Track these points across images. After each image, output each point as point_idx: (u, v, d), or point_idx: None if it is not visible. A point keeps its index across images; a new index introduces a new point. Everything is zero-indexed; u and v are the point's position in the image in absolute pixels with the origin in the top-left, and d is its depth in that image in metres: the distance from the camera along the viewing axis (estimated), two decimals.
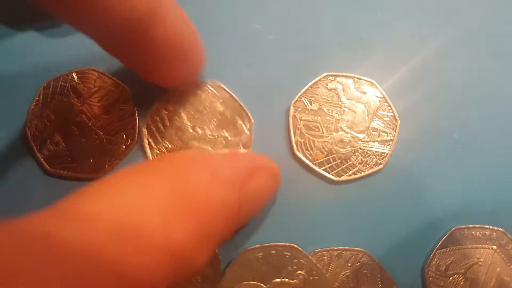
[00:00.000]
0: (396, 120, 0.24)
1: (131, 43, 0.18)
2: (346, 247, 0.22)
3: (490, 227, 0.22)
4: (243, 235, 0.22)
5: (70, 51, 0.25)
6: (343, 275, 0.21)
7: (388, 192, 0.23)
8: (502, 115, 0.24)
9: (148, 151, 0.23)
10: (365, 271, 0.22)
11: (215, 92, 0.24)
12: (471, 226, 0.22)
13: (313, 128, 0.24)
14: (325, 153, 0.23)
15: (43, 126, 0.24)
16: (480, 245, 0.22)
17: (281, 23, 0.26)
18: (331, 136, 0.23)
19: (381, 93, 0.24)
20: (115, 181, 0.14)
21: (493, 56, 0.25)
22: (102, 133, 0.24)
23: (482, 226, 0.22)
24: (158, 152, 0.23)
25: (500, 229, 0.22)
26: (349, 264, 0.22)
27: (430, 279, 0.21)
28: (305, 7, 0.26)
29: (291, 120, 0.24)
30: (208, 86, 0.24)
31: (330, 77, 0.24)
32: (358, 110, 0.24)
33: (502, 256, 0.21)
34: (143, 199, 0.14)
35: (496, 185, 0.23)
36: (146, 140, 0.23)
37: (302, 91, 0.24)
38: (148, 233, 0.13)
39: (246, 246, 0.22)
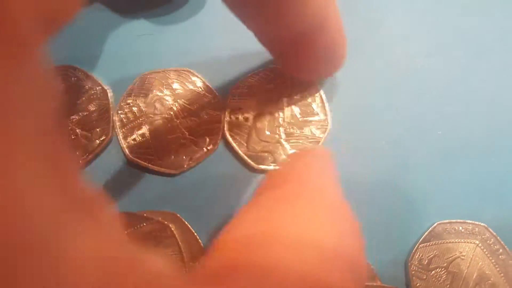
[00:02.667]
0: None
1: (293, 47, 0.20)
2: None
3: (472, 222, 0.22)
4: None
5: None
6: None
7: (373, 186, 0.23)
8: (485, 114, 0.24)
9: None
10: None
11: None
12: (453, 221, 0.22)
13: None
14: None
15: (133, 115, 0.24)
16: (462, 240, 0.22)
17: None
18: None
19: None
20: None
21: (477, 56, 0.25)
22: (187, 133, 0.24)
23: (465, 221, 0.22)
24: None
25: (482, 224, 0.22)
26: None
27: (413, 272, 0.22)
28: None
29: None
30: None
31: None
32: None
33: (484, 250, 0.22)
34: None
35: (479, 181, 0.23)
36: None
37: None
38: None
39: None
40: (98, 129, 0.24)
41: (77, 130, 0.24)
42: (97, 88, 0.25)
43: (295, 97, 0.25)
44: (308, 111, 0.25)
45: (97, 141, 0.24)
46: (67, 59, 0.25)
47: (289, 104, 0.25)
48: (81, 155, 0.24)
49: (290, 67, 0.23)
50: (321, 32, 0.19)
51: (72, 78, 0.25)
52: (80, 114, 0.24)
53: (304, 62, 0.22)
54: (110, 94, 0.25)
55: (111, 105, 0.25)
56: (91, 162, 0.24)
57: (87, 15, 0.27)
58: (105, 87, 0.25)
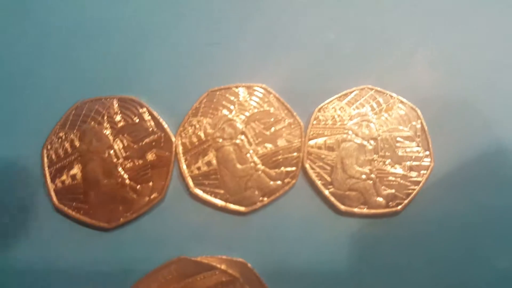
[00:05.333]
0: None
1: None
2: None
3: None
4: None
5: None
6: None
7: None
8: None
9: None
10: None
11: None
12: None
13: None
14: None
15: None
16: None
17: None
18: None
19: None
20: None
21: None
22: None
23: None
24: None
25: None
26: None
27: None
28: None
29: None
30: None
31: None
32: None
33: None
34: None
35: None
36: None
37: None
38: None
39: None
40: (150, 184, 0.20)
41: (126, 180, 0.20)
42: (162, 134, 0.20)
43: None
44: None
45: (147, 198, 0.20)
46: (132, 90, 0.21)
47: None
48: (124, 212, 0.19)
49: None
50: None
51: (135, 117, 0.20)
52: (135, 161, 0.20)
53: None
54: (175, 144, 0.20)
55: (173, 159, 0.20)
56: (133, 222, 0.20)
57: None
58: (172, 136, 0.20)
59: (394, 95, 0.21)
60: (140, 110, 0.21)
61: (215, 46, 0.22)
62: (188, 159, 0.20)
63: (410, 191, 0.20)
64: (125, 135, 0.20)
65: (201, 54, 0.21)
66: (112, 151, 0.20)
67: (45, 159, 0.20)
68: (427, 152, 0.21)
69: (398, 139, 0.21)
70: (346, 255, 0.20)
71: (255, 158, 0.20)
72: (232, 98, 0.21)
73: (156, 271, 0.19)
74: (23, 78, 0.21)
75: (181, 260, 0.19)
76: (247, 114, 0.21)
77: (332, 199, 0.20)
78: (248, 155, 0.20)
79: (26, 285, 0.19)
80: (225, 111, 0.21)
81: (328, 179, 0.20)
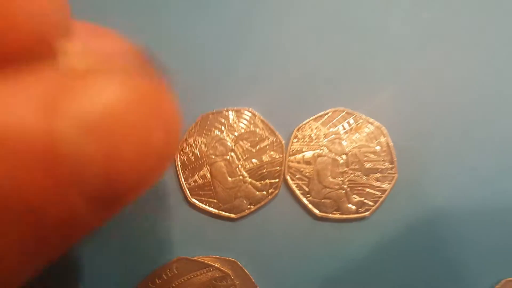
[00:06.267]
0: None
1: None
2: None
3: None
4: None
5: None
6: None
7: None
8: None
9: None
10: None
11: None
12: None
13: None
14: None
15: (193, 156, 0.23)
16: None
17: None
18: None
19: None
20: None
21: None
22: (248, 176, 0.23)
23: None
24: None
25: None
26: None
27: None
28: None
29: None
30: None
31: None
32: None
33: None
34: None
35: None
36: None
37: None
38: None
39: None
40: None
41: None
42: None
43: None
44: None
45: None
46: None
47: None
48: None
49: None
50: None
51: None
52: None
53: None
54: (175, 161, 0.24)
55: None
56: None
57: None
58: None
59: (363, 116, 0.24)
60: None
61: (208, 74, 0.25)
62: (186, 173, 0.23)
63: (377, 198, 0.23)
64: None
65: (194, 83, 0.25)
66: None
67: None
68: (392, 165, 0.24)
69: (366, 154, 0.24)
70: (322, 254, 0.23)
71: (243, 172, 0.24)
72: (223, 120, 0.24)
73: (159, 269, 0.22)
74: None
75: (180, 259, 0.22)
76: (236, 134, 0.24)
77: (310, 206, 0.23)
78: (237, 169, 0.24)
79: None
80: (217, 132, 0.24)
81: (306, 189, 0.23)
